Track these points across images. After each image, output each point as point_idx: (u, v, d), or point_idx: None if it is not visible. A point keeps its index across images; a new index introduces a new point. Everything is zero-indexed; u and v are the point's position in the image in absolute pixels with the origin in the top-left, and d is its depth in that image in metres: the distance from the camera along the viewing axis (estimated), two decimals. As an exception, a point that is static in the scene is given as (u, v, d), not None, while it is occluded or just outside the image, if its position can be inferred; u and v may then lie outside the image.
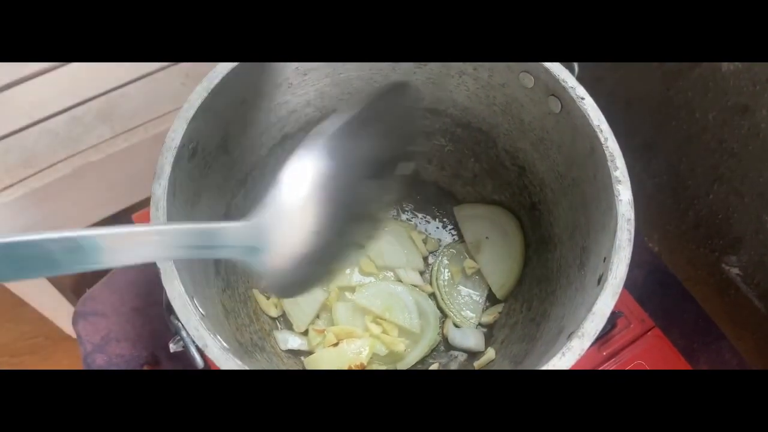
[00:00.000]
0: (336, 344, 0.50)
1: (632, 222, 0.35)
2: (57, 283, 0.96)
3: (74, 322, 0.59)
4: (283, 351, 0.51)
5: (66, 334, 1.09)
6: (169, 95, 0.85)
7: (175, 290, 0.33)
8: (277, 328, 0.53)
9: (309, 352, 0.51)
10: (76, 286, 1.16)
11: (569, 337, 0.32)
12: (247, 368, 0.31)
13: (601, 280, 0.34)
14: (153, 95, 0.85)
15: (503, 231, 0.54)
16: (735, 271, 0.55)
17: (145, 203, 0.87)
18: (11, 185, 0.77)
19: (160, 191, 0.35)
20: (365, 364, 0.50)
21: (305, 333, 0.52)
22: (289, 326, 0.53)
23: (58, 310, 1.01)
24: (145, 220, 0.55)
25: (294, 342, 0.52)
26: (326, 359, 0.49)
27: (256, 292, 0.53)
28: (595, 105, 0.39)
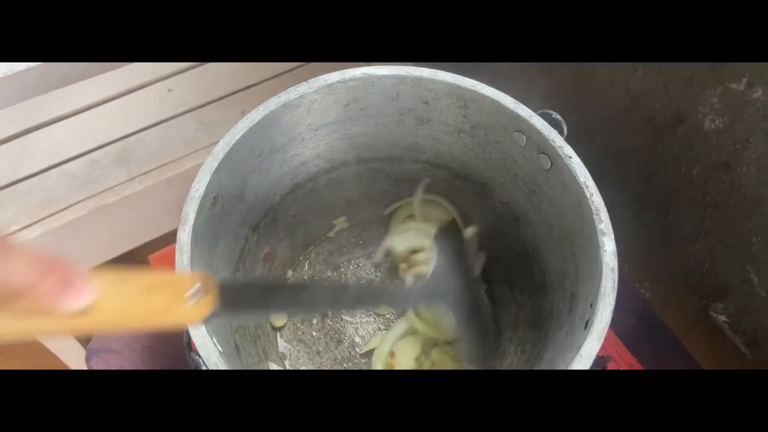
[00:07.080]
0: None
1: (616, 271, 0.38)
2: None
3: (87, 358, 0.61)
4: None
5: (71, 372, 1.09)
6: (183, 140, 0.88)
7: (197, 329, 0.35)
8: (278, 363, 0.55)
9: None
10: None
11: (558, 377, 0.35)
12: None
13: (588, 325, 0.37)
14: (168, 140, 0.89)
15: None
16: (722, 318, 0.55)
17: (156, 242, 0.89)
18: (30, 225, 0.79)
19: (185, 237, 0.38)
20: None
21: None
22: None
23: (66, 347, 1.01)
24: (164, 260, 0.57)
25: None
26: None
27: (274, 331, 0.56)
28: (581, 163, 0.42)
